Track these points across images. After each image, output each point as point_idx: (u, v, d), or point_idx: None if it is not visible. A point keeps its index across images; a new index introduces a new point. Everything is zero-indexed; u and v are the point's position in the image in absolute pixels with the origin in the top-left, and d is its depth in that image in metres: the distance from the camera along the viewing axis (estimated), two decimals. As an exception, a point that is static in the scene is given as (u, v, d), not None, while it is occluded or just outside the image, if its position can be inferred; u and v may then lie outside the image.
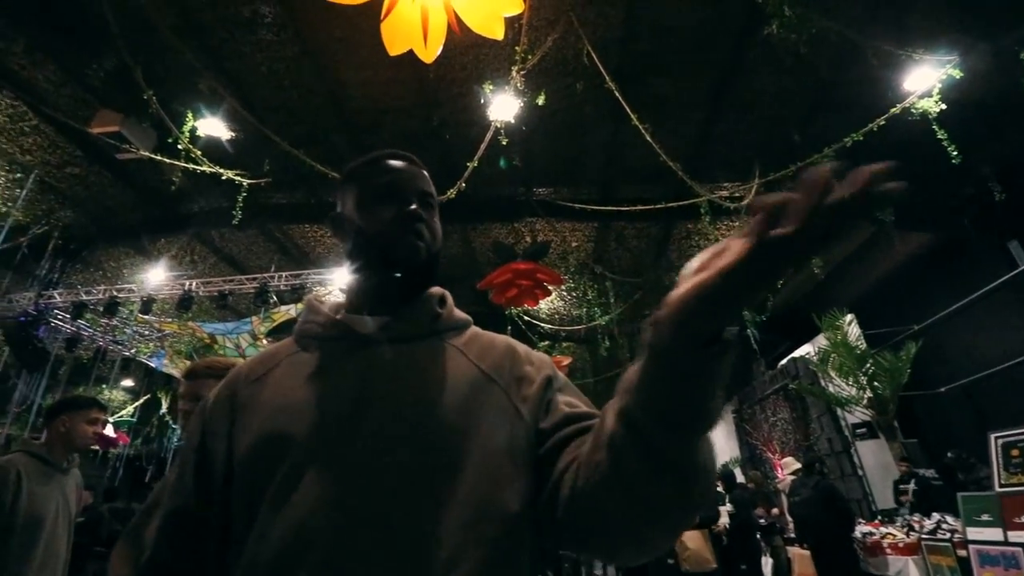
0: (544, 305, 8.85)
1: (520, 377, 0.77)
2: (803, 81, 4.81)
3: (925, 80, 4.17)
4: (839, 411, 7.71)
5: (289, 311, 7.28)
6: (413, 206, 0.81)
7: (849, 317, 7.18)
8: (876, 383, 6.54)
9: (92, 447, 2.77)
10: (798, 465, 6.28)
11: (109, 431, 9.84)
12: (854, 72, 4.51)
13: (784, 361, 9.60)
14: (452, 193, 5.11)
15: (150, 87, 4.34)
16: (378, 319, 0.79)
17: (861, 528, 5.28)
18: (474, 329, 0.87)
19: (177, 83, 4.65)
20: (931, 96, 4.15)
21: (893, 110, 4.32)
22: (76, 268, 7.47)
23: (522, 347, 0.84)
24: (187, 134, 4.81)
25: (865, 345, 6.96)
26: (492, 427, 0.71)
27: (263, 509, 0.64)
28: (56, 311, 7.18)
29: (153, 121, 4.79)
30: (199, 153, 4.88)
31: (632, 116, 4.54)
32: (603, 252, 7.64)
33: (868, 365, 6.61)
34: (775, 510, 7.04)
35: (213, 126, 5.06)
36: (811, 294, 8.36)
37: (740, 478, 9.40)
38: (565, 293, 8.73)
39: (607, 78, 4.41)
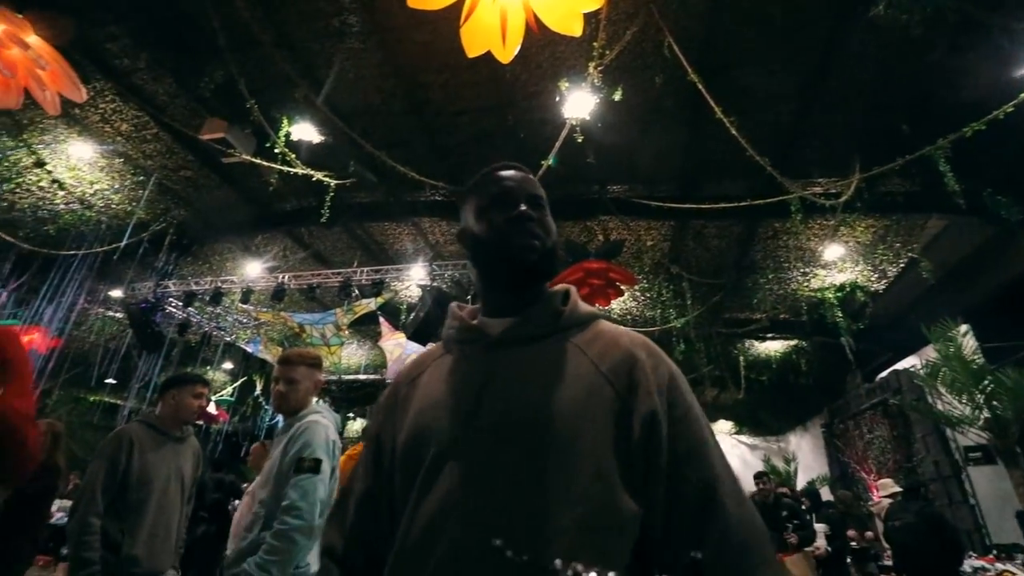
0: (616, 305, 8.67)
1: (636, 384, 0.78)
2: (913, 65, 4.34)
3: (1067, 59, 3.64)
4: (949, 432, 6.93)
5: (369, 304, 7.65)
6: (523, 207, 0.88)
7: (964, 328, 6.43)
8: (995, 403, 5.81)
9: (196, 421, 3.07)
10: (897, 488, 5.72)
11: (211, 408, 10.86)
12: (975, 53, 4.01)
13: (884, 374, 8.78)
14: (526, 192, 5.12)
15: (251, 97, 4.71)
16: (505, 321, 0.86)
17: (971, 562, 4.73)
18: (600, 325, 0.88)
19: (274, 92, 5.01)
20: (1074, 77, 3.62)
21: (1023, 95, 3.80)
22: (187, 261, 8.29)
23: (646, 351, 0.83)
24: (283, 139, 5.18)
25: (983, 359, 6.20)
26: (604, 431, 0.74)
27: (413, 495, 0.76)
28: (171, 299, 8.01)
29: (254, 127, 5.20)
30: (293, 156, 5.24)
31: (716, 109, 4.33)
32: (680, 251, 7.35)
33: (986, 382, 5.88)
34: (869, 534, 6.47)
35: (305, 131, 5.41)
36: (918, 301, 7.56)
37: (826, 497, 8.73)
38: (638, 293, 8.50)
39: (689, 70, 4.23)
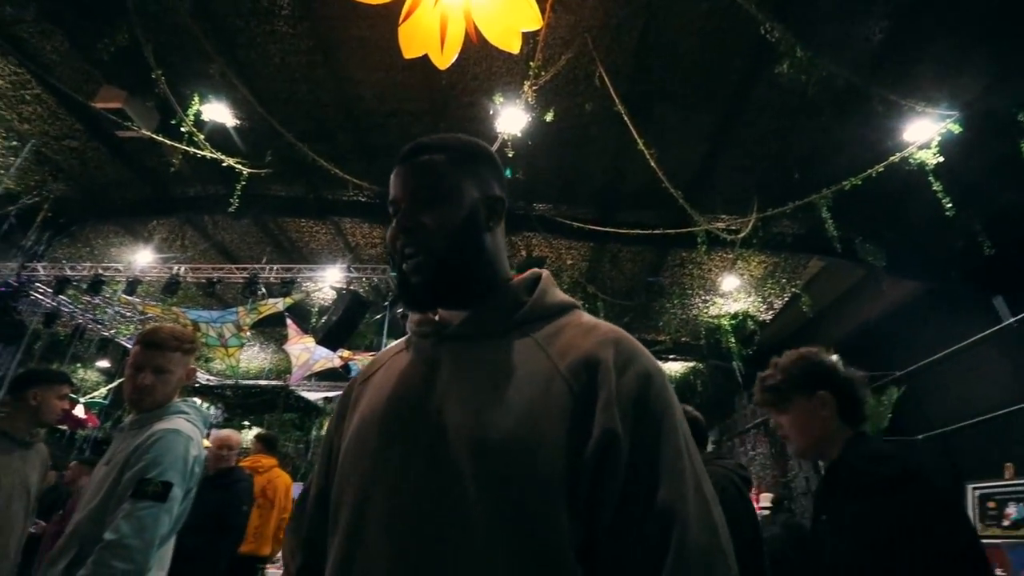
0: (534, 320, 8.82)
1: (597, 389, 0.64)
2: (807, 122, 4.89)
3: (925, 132, 4.26)
4: (818, 450, 7.73)
5: (276, 304, 7.20)
6: (394, 224, 0.78)
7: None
8: (857, 425, 6.57)
9: (60, 425, 2.70)
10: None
11: (79, 411, 9.61)
12: (857, 118, 4.60)
13: (767, 396, 9.62)
14: (453, 200, 5.11)
15: (159, 67, 4.31)
16: (458, 313, 0.75)
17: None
18: (574, 316, 0.76)
19: (187, 66, 4.63)
20: (930, 148, 4.25)
21: (892, 158, 4.41)
22: (63, 242, 7.34)
23: (615, 348, 0.68)
24: (192, 117, 4.78)
25: (848, 387, 7.00)
26: (555, 444, 0.61)
27: (343, 516, 0.68)
28: (38, 284, 7.04)
29: (158, 101, 4.76)
30: (202, 137, 4.85)
31: (638, 140, 4.59)
32: (597, 272, 7.66)
33: (849, 407, 6.65)
34: (748, 545, 7.00)
35: (218, 112, 5.03)
36: (799, 331, 8.42)
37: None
38: (556, 310, 8.72)
39: (616, 101, 4.46)
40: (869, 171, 4.50)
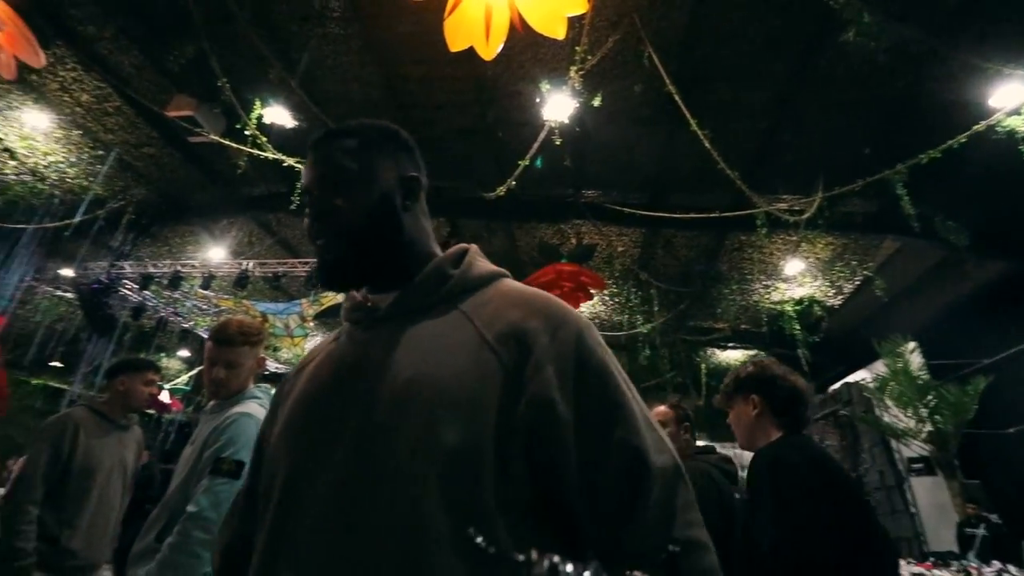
0: (585, 309, 8.75)
1: (527, 354, 0.65)
2: (877, 92, 4.55)
3: (1014, 96, 3.86)
4: (894, 443, 7.27)
5: (337, 296, 7.51)
6: (307, 216, 0.78)
7: (912, 345, 6.75)
8: (938, 417, 6.12)
9: (147, 409, 2.94)
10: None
11: (164, 397, 10.45)
12: (934, 85, 4.23)
13: (836, 386, 9.13)
14: (501, 191, 5.13)
15: (223, 75, 4.56)
16: (388, 295, 0.76)
17: (910, 568, 4.96)
18: (500, 285, 0.77)
19: (248, 72, 4.87)
20: (1020, 114, 3.84)
21: (976, 127, 4.02)
22: (145, 242, 7.96)
23: (544, 314, 0.69)
24: (254, 121, 5.03)
25: (928, 376, 6.52)
26: (484, 414, 0.62)
27: (271, 504, 0.68)
28: (125, 281, 7.68)
29: (224, 107, 5.04)
30: (264, 139, 5.10)
31: (691, 121, 4.42)
32: (649, 259, 7.49)
33: (930, 397, 6.20)
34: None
35: (278, 114, 5.27)
36: (871, 318, 7.91)
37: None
38: (607, 298, 8.61)
39: (667, 81, 4.31)
40: (950, 142, 4.13)
